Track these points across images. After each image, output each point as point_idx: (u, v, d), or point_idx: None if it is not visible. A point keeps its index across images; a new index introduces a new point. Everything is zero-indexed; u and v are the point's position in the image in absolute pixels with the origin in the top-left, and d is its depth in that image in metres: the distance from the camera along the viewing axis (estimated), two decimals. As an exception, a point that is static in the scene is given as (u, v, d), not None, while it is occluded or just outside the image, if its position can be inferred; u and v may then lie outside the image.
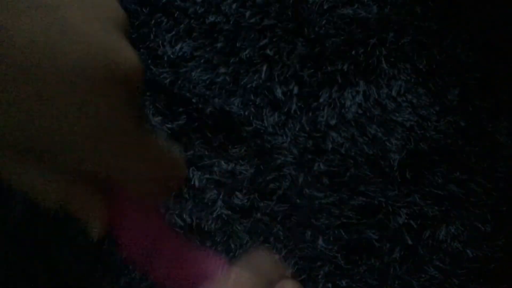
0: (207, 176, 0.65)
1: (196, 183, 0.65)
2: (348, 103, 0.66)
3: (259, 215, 0.64)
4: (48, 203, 0.22)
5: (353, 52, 0.67)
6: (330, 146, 0.65)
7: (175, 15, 0.68)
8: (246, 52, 0.67)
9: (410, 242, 0.65)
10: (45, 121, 0.17)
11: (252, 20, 0.67)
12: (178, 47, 0.67)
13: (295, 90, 0.66)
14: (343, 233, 0.64)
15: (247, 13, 0.67)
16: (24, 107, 0.17)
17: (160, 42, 0.66)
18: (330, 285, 0.64)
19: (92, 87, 0.17)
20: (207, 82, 0.66)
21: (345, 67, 0.67)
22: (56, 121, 0.18)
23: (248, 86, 0.66)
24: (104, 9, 0.18)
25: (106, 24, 0.18)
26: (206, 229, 0.64)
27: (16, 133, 0.18)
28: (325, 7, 0.67)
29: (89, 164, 0.20)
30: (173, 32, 0.67)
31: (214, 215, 0.64)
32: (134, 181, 0.22)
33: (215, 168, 0.65)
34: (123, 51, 0.19)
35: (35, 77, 0.16)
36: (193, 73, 0.66)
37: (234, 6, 0.68)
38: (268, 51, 0.67)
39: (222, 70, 0.67)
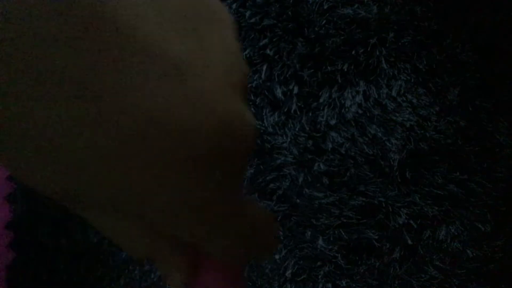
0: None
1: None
2: (348, 103, 0.66)
3: (259, 215, 0.64)
4: (135, 254, 0.21)
5: (353, 52, 0.67)
6: (330, 146, 0.65)
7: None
8: (246, 52, 0.67)
9: (410, 242, 0.65)
10: (154, 189, 0.17)
11: (252, 20, 0.67)
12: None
13: (295, 90, 0.66)
14: (343, 233, 0.64)
15: (247, 13, 0.67)
16: (136, 178, 0.17)
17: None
18: (330, 285, 0.64)
19: (212, 156, 0.17)
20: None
21: (345, 67, 0.67)
22: (166, 190, 0.17)
23: (248, 86, 0.66)
24: (236, 74, 0.18)
25: (236, 89, 0.18)
26: (206, 229, 0.64)
27: (125, 198, 0.18)
28: (325, 7, 0.67)
29: (182, 232, 0.19)
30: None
31: (214, 215, 0.64)
32: (223, 253, 0.21)
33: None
34: (247, 117, 0.18)
35: (151, 147, 0.16)
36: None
37: (234, 6, 0.67)
38: (268, 51, 0.67)
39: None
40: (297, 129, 0.65)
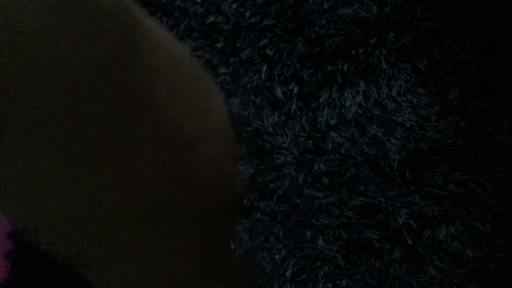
0: (207, 176, 0.65)
1: (196, 183, 0.65)
2: (348, 103, 0.66)
3: (259, 215, 0.64)
4: None
5: (353, 52, 0.67)
6: (330, 146, 0.65)
7: (175, 15, 0.68)
8: (246, 52, 0.67)
9: (410, 242, 0.65)
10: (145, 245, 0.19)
11: (252, 20, 0.67)
12: (178, 47, 0.67)
13: (295, 90, 0.66)
14: (343, 233, 0.64)
15: (247, 13, 0.67)
16: (144, 255, 0.19)
17: (160, 42, 0.66)
18: (330, 285, 0.64)
19: (218, 203, 0.20)
20: (207, 82, 0.66)
21: (345, 67, 0.67)
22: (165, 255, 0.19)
23: (248, 86, 0.66)
24: (230, 139, 0.21)
25: (231, 152, 0.21)
26: (206, 229, 0.64)
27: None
28: (325, 7, 0.67)
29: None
30: (173, 32, 0.67)
31: (214, 215, 0.64)
32: None
33: (215, 168, 0.65)
34: (239, 178, 0.21)
35: (174, 202, 0.18)
36: (193, 73, 0.66)
37: (234, 6, 0.67)
38: (268, 51, 0.67)
39: (222, 70, 0.66)
40: (297, 129, 0.65)
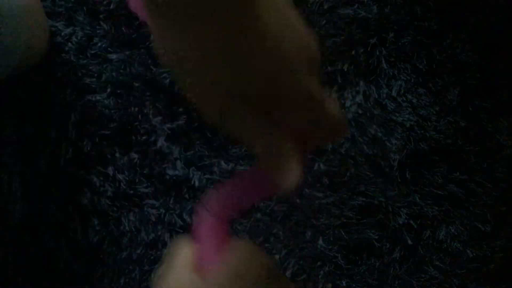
0: (207, 176, 0.65)
1: (196, 183, 0.65)
2: (348, 103, 0.66)
3: (259, 215, 0.64)
4: (253, 149, 0.30)
5: (353, 52, 0.67)
6: (330, 146, 0.65)
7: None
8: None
9: (410, 242, 0.65)
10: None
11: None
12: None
13: (295, 90, 0.66)
14: (343, 233, 0.64)
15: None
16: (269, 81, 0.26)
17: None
18: (330, 285, 0.64)
19: (303, 58, 0.28)
20: (207, 82, 0.66)
21: (345, 67, 0.67)
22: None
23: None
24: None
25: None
26: (206, 229, 0.64)
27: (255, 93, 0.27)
28: (325, 7, 0.67)
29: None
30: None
31: (214, 215, 0.64)
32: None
33: (215, 168, 0.65)
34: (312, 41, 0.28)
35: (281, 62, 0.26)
36: (193, 73, 0.66)
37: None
38: (268, 51, 0.67)
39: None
40: (297, 129, 0.65)
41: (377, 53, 0.67)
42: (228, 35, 0.25)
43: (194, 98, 0.27)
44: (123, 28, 0.65)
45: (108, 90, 0.65)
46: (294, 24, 0.28)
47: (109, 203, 0.64)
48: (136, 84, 0.65)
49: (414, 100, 0.67)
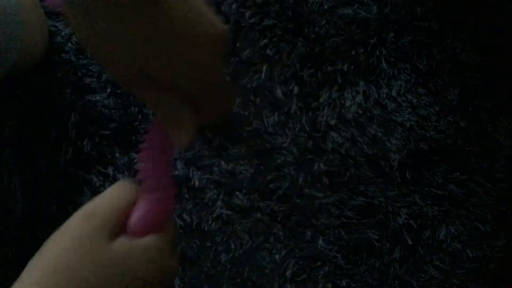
0: (207, 176, 0.65)
1: (196, 183, 0.65)
2: (348, 103, 0.66)
3: (259, 215, 0.65)
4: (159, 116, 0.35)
5: (353, 52, 0.67)
6: (330, 146, 0.65)
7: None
8: (246, 52, 0.67)
9: (410, 242, 0.65)
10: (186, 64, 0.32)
11: (252, 20, 0.67)
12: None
13: (295, 90, 0.66)
14: (343, 233, 0.64)
15: (247, 13, 0.67)
16: (173, 61, 0.31)
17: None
18: (330, 285, 0.64)
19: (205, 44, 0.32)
20: (207, 82, 0.66)
21: (345, 67, 0.67)
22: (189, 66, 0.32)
23: (248, 86, 0.66)
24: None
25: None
26: (206, 229, 0.64)
27: (165, 70, 0.32)
28: (325, 7, 0.67)
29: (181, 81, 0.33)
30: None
31: (214, 215, 0.64)
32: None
33: (215, 168, 0.65)
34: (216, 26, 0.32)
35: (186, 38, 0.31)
36: (193, 73, 0.66)
37: (234, 6, 0.68)
38: (268, 51, 0.67)
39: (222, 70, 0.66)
40: (297, 129, 0.66)
41: (377, 53, 0.67)
42: (141, 24, 0.29)
43: (113, 74, 0.33)
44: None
45: (108, 90, 0.65)
46: (199, 11, 0.32)
47: (109, 203, 0.64)
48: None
49: (414, 100, 0.67)
